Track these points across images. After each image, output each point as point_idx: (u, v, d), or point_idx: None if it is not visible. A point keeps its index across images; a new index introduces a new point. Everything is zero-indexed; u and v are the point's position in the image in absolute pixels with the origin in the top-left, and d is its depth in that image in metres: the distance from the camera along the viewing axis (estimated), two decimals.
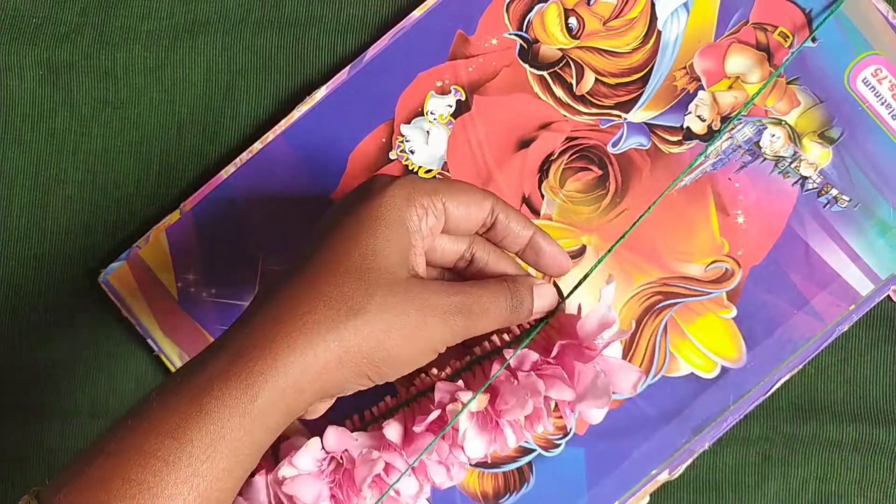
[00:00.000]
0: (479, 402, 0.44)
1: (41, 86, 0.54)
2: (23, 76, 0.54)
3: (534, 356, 0.45)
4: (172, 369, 0.53)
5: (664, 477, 0.51)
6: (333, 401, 0.43)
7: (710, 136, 0.52)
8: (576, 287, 0.46)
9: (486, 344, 0.47)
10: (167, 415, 0.35)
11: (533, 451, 0.52)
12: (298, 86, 0.54)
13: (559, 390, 0.44)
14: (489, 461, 0.48)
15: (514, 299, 0.42)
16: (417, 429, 0.44)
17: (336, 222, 0.40)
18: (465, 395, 0.44)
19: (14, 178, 0.54)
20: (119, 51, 0.54)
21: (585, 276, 0.46)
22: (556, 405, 0.45)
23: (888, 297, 0.52)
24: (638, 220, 0.50)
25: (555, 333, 0.46)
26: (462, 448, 0.45)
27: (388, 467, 0.45)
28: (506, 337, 0.47)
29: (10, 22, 0.54)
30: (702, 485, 0.53)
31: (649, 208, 0.47)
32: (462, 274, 0.45)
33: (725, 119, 0.52)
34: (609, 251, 0.46)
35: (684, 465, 0.51)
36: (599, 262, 0.46)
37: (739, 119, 0.52)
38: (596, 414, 0.45)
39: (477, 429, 0.45)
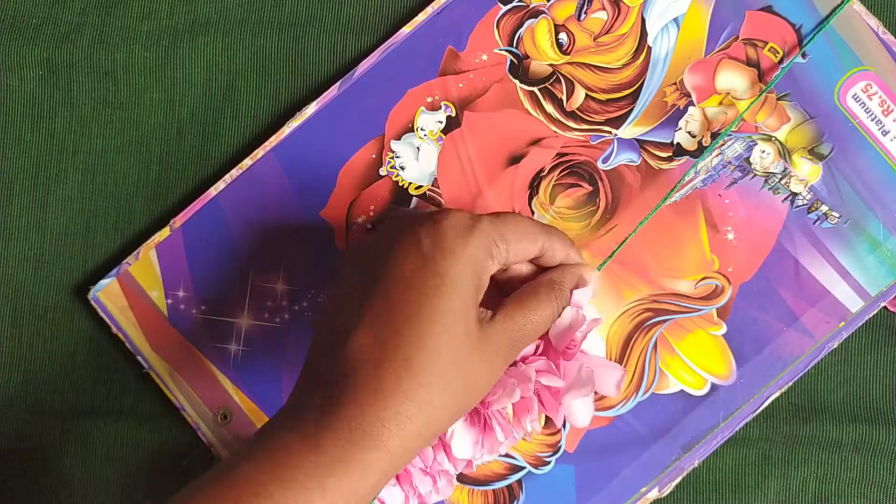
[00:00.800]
0: None
1: (41, 86, 0.54)
2: (23, 76, 0.54)
3: (526, 350, 0.45)
4: (162, 386, 0.53)
5: (654, 495, 0.51)
6: None
7: (701, 152, 0.52)
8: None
9: None
10: (290, 489, 0.36)
11: (523, 468, 0.52)
12: (298, 86, 0.54)
13: (549, 378, 0.44)
14: (474, 469, 0.48)
15: (560, 302, 0.43)
16: None
17: (415, 277, 0.38)
18: None
19: (14, 178, 0.54)
20: (119, 51, 0.54)
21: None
22: (546, 420, 0.45)
23: (885, 307, 0.52)
24: (638, 227, 0.50)
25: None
26: (449, 448, 0.45)
27: None
28: None
29: (10, 22, 0.54)
30: (702, 485, 0.53)
31: (637, 227, 0.47)
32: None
33: (716, 135, 0.52)
34: (607, 259, 0.46)
35: (674, 483, 0.51)
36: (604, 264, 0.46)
37: (729, 135, 0.52)
38: (581, 414, 0.45)
39: (464, 427, 0.45)
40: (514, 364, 0.45)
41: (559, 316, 0.43)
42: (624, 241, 0.51)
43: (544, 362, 0.44)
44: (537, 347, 0.45)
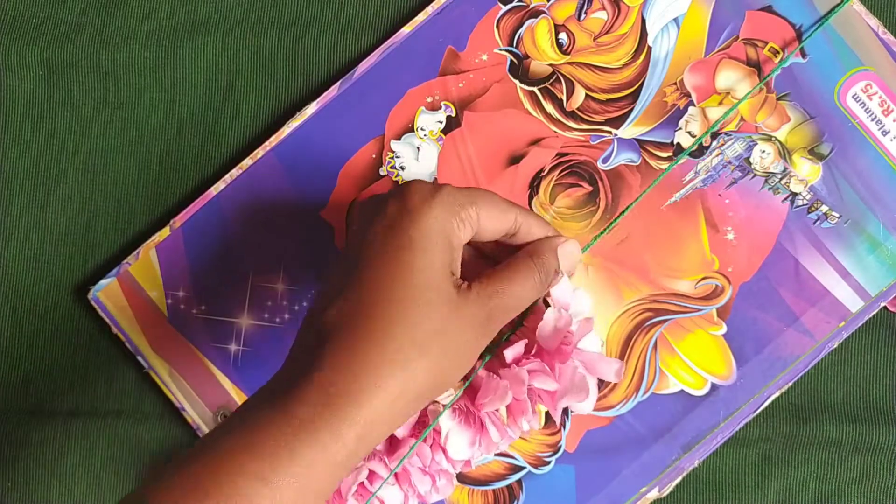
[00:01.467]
0: (453, 390, 0.45)
1: (41, 86, 0.54)
2: (23, 76, 0.54)
3: (517, 350, 0.45)
4: (162, 386, 0.53)
5: (654, 495, 0.51)
6: None
7: (701, 152, 0.52)
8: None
9: None
10: (258, 455, 0.35)
11: (523, 468, 0.52)
12: (298, 86, 0.54)
13: (542, 381, 0.44)
14: (473, 468, 0.48)
15: (542, 273, 0.42)
16: (399, 433, 0.45)
17: (383, 242, 0.39)
18: (442, 396, 0.44)
19: (14, 178, 0.54)
20: (119, 51, 0.54)
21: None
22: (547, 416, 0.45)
23: (885, 307, 0.52)
24: (616, 220, 0.50)
25: (530, 334, 0.46)
26: (445, 450, 0.45)
27: (372, 475, 0.45)
28: None
29: (10, 22, 0.54)
30: (702, 485, 0.53)
31: (625, 210, 0.47)
32: (506, 243, 0.44)
33: (716, 135, 0.52)
34: (594, 240, 0.46)
35: (674, 483, 0.51)
36: (594, 241, 0.46)
37: (730, 135, 0.52)
38: (584, 403, 0.45)
39: (460, 428, 0.45)
40: (507, 366, 0.45)
41: (542, 288, 0.42)
42: (610, 225, 0.50)
43: (538, 363, 0.44)
44: (531, 348, 0.45)
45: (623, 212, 0.51)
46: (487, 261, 0.44)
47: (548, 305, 0.47)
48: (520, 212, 0.43)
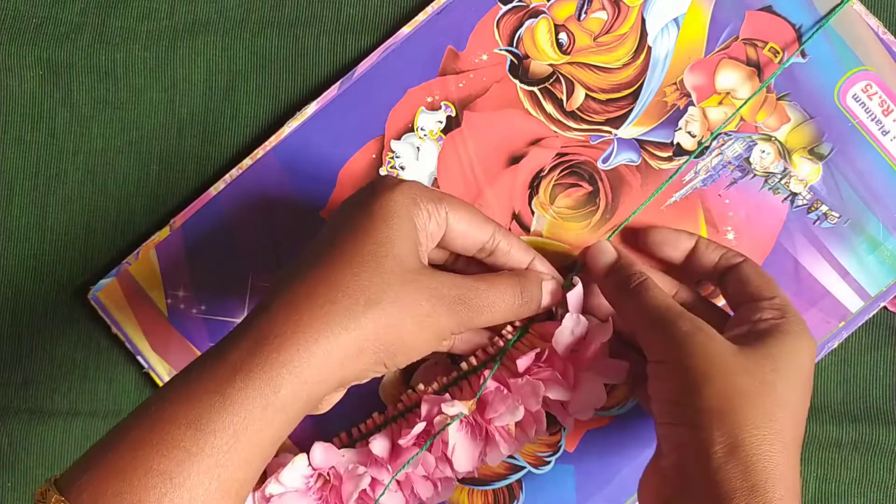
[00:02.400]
0: (468, 408, 0.44)
1: (41, 86, 0.54)
2: (23, 76, 0.54)
3: (529, 359, 0.45)
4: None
5: None
6: (343, 393, 0.43)
7: (701, 152, 0.52)
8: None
9: (473, 359, 0.47)
10: (190, 405, 0.35)
11: (522, 468, 0.52)
12: (298, 86, 0.54)
13: (556, 391, 0.44)
14: (476, 475, 0.48)
15: (524, 295, 0.43)
16: (403, 442, 0.45)
17: (348, 216, 0.41)
18: (448, 407, 0.44)
19: (14, 178, 0.54)
20: (119, 51, 0.54)
21: (577, 270, 0.48)
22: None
23: (884, 307, 0.52)
24: (621, 226, 0.50)
25: (538, 340, 0.46)
26: (450, 461, 0.45)
27: (374, 482, 0.45)
28: (490, 350, 0.47)
29: (10, 22, 0.54)
30: None
31: (633, 213, 0.47)
32: (483, 263, 0.45)
33: (714, 133, 0.52)
34: (615, 231, 0.46)
35: None
36: (579, 268, 0.46)
37: (729, 135, 0.52)
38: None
39: (466, 440, 0.45)
40: (518, 375, 0.45)
41: (518, 310, 0.43)
42: (621, 225, 0.51)
43: (550, 373, 0.44)
44: (541, 356, 0.45)
45: (635, 212, 0.51)
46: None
47: (551, 317, 0.47)
48: (499, 230, 0.44)
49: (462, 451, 0.45)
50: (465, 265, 0.46)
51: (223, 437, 0.35)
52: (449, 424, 0.44)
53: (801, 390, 0.40)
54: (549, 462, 0.52)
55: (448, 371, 0.48)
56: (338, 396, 0.43)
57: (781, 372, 0.39)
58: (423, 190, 0.41)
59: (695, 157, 0.51)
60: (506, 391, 0.44)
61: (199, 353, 0.52)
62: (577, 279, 0.46)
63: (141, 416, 0.36)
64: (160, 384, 0.53)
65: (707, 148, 0.51)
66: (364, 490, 0.45)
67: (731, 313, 0.45)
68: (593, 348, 0.45)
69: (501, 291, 0.42)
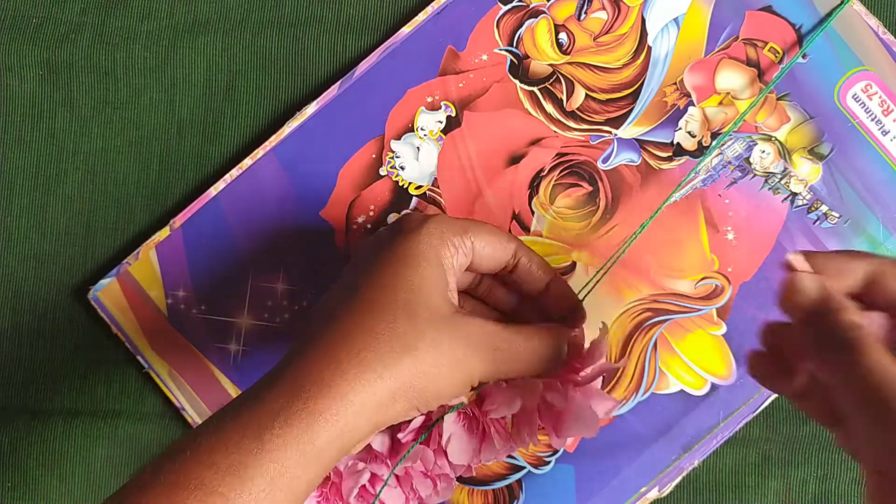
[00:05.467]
0: (467, 398, 0.44)
1: (41, 86, 0.54)
2: (23, 76, 0.54)
3: None
4: (162, 386, 0.53)
5: (653, 494, 0.51)
6: (374, 435, 0.43)
7: (701, 152, 0.52)
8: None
9: None
10: (227, 449, 0.35)
11: (522, 468, 0.52)
12: (298, 86, 0.54)
13: (553, 396, 0.44)
14: (474, 474, 0.48)
15: (556, 357, 0.42)
16: (402, 436, 0.45)
17: (376, 259, 0.40)
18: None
19: (14, 178, 0.54)
20: (119, 51, 0.54)
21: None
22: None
23: None
24: (629, 242, 0.50)
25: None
26: (446, 453, 0.45)
27: (374, 478, 0.45)
28: None
29: (10, 22, 0.54)
30: (702, 485, 0.53)
31: (640, 229, 0.47)
32: (505, 279, 0.45)
33: (716, 135, 0.52)
34: (601, 271, 0.46)
35: (674, 483, 0.51)
36: (591, 283, 0.46)
37: (729, 135, 0.52)
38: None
39: (463, 434, 0.45)
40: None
41: (547, 364, 0.42)
42: (626, 246, 0.51)
43: (551, 381, 0.44)
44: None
45: (652, 215, 0.51)
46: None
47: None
48: (520, 246, 0.43)
49: (458, 444, 0.44)
50: (488, 286, 0.46)
51: (260, 483, 0.35)
52: (448, 413, 0.44)
53: None
54: (549, 462, 0.52)
55: None
56: (370, 439, 0.43)
57: None
58: (448, 225, 0.41)
59: (690, 156, 0.51)
60: (505, 386, 0.44)
61: (198, 353, 0.52)
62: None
63: (177, 459, 0.35)
64: (160, 384, 0.53)
65: (711, 153, 0.51)
66: (364, 486, 0.45)
67: None
68: (591, 375, 0.45)
69: (535, 346, 0.41)
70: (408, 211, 0.52)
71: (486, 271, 0.43)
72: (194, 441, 0.36)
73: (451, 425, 0.44)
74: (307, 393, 0.36)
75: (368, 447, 0.46)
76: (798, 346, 0.36)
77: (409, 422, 0.45)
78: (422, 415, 0.46)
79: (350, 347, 0.37)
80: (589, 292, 0.48)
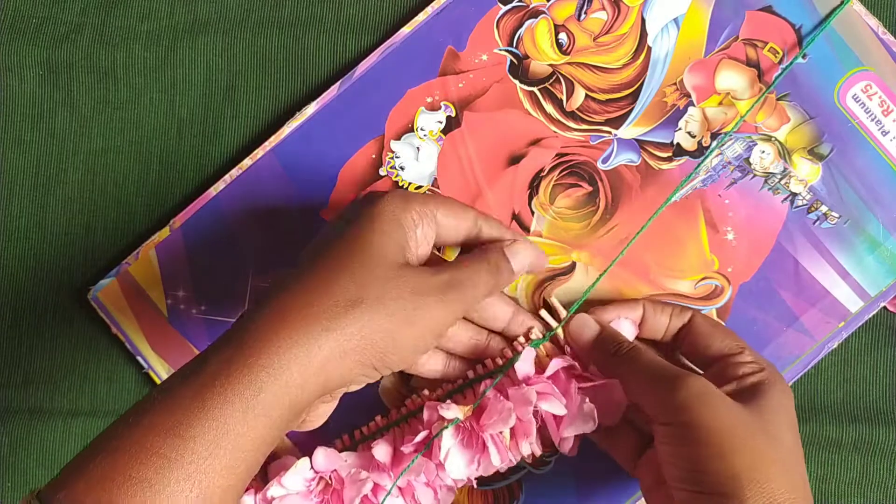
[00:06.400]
0: (463, 413, 0.44)
1: (41, 86, 0.54)
2: (23, 76, 0.54)
3: (526, 369, 0.45)
4: None
5: None
6: (334, 405, 0.43)
7: (701, 152, 0.52)
8: (575, 310, 0.47)
9: (480, 367, 0.47)
10: (169, 411, 0.35)
11: (522, 468, 0.52)
12: (298, 86, 0.54)
13: (551, 404, 0.44)
14: (474, 486, 0.48)
15: (491, 264, 0.43)
16: (406, 449, 0.45)
17: (336, 227, 0.41)
18: (447, 411, 0.44)
19: (14, 178, 0.54)
20: (119, 51, 0.54)
21: (581, 300, 0.48)
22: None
23: (884, 307, 0.52)
24: (629, 244, 0.50)
25: (572, 342, 0.47)
26: (443, 466, 0.45)
27: (376, 488, 0.45)
28: (499, 361, 0.47)
29: (10, 22, 0.54)
30: None
31: (641, 230, 0.47)
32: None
33: (715, 135, 0.52)
34: (599, 277, 0.46)
35: None
36: (590, 288, 0.46)
37: (729, 136, 0.52)
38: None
39: (460, 447, 0.45)
40: (517, 384, 0.45)
41: (492, 275, 0.43)
42: (624, 250, 0.51)
43: (546, 385, 0.44)
44: (542, 370, 0.45)
45: (640, 231, 0.51)
46: None
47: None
48: (478, 213, 0.44)
49: (456, 459, 0.44)
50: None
51: (202, 442, 0.35)
52: (445, 428, 0.44)
53: (798, 439, 0.42)
54: (549, 462, 0.52)
55: (453, 379, 0.48)
56: (328, 409, 0.43)
57: (788, 426, 0.41)
58: (410, 195, 0.42)
59: (689, 156, 0.51)
60: (504, 400, 0.44)
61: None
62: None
63: (120, 426, 0.36)
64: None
65: (721, 147, 0.51)
66: (366, 495, 0.45)
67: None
68: (598, 380, 0.45)
69: (475, 265, 0.42)
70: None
71: (453, 243, 0.44)
72: (139, 408, 0.36)
73: (449, 440, 0.44)
74: (249, 349, 0.36)
75: (370, 456, 0.46)
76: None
77: (413, 433, 0.45)
78: (397, 409, 0.47)
79: (294, 305, 0.37)
80: (587, 292, 0.48)
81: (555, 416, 0.45)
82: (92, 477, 0.34)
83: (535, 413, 0.44)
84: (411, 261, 0.41)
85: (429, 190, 0.52)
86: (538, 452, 0.45)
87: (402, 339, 0.39)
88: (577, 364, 0.46)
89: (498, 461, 0.44)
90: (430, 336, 0.40)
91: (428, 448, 0.44)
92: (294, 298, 0.38)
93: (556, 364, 0.45)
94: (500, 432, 0.44)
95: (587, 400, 0.44)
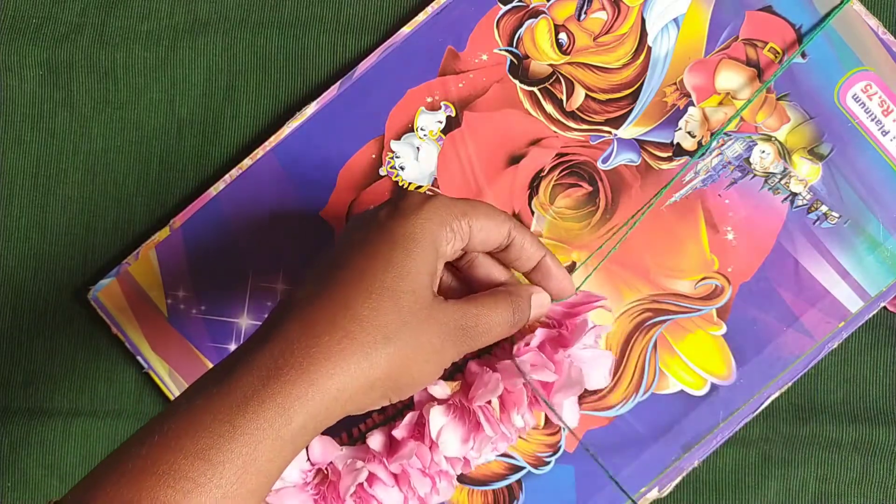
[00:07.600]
0: (450, 387, 0.45)
1: (41, 86, 0.54)
2: (23, 76, 0.54)
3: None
4: (162, 386, 0.53)
5: (654, 495, 0.51)
6: (373, 432, 0.44)
7: (701, 154, 0.52)
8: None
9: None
10: (198, 433, 0.34)
11: (522, 468, 0.52)
12: (298, 86, 0.54)
13: (541, 373, 0.44)
14: (472, 469, 0.48)
15: (517, 314, 0.43)
16: (397, 433, 0.45)
17: (367, 238, 0.39)
18: (433, 387, 0.44)
19: (14, 178, 0.54)
20: (119, 51, 0.54)
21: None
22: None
23: (884, 307, 0.52)
24: (630, 229, 0.50)
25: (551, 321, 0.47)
26: (438, 447, 0.45)
27: (371, 477, 0.45)
28: None
29: (10, 22, 0.54)
30: (702, 485, 0.53)
31: (640, 216, 0.47)
32: (496, 256, 0.44)
33: (715, 135, 0.52)
34: (592, 271, 0.46)
35: (674, 483, 0.51)
36: (588, 277, 0.46)
37: (729, 135, 0.52)
38: (570, 413, 0.46)
39: (453, 424, 0.45)
40: (506, 357, 0.45)
41: (512, 328, 0.42)
42: (624, 235, 0.51)
43: (535, 355, 0.44)
44: (528, 343, 0.45)
45: (639, 218, 0.51)
46: (462, 288, 0.45)
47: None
48: (514, 226, 0.43)
49: (449, 435, 0.45)
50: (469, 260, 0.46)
51: (232, 468, 0.34)
52: (436, 407, 0.44)
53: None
54: (549, 462, 0.52)
55: None
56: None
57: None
58: (448, 209, 0.40)
59: (695, 159, 0.51)
60: (490, 371, 0.45)
61: (198, 353, 0.52)
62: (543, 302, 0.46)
63: (146, 444, 0.35)
64: (160, 384, 0.53)
65: (707, 150, 0.51)
66: (361, 484, 0.45)
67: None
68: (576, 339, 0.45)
69: (497, 314, 0.42)
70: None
71: (480, 250, 0.43)
72: (162, 426, 0.35)
73: (440, 418, 0.45)
74: (285, 376, 0.35)
75: (367, 448, 0.46)
76: None
77: (403, 418, 0.45)
78: (393, 404, 0.47)
79: (331, 332, 0.37)
80: (581, 285, 0.48)
81: (544, 384, 0.45)
82: (116, 496, 0.33)
83: (525, 385, 0.44)
84: (435, 285, 0.40)
85: (429, 190, 0.52)
86: (531, 423, 0.45)
87: (419, 375, 0.39)
88: (562, 333, 0.46)
89: (490, 432, 0.44)
90: (439, 372, 0.40)
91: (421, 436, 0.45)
92: (329, 323, 0.37)
93: (540, 334, 0.45)
94: (489, 402, 0.44)
95: (573, 363, 0.44)
